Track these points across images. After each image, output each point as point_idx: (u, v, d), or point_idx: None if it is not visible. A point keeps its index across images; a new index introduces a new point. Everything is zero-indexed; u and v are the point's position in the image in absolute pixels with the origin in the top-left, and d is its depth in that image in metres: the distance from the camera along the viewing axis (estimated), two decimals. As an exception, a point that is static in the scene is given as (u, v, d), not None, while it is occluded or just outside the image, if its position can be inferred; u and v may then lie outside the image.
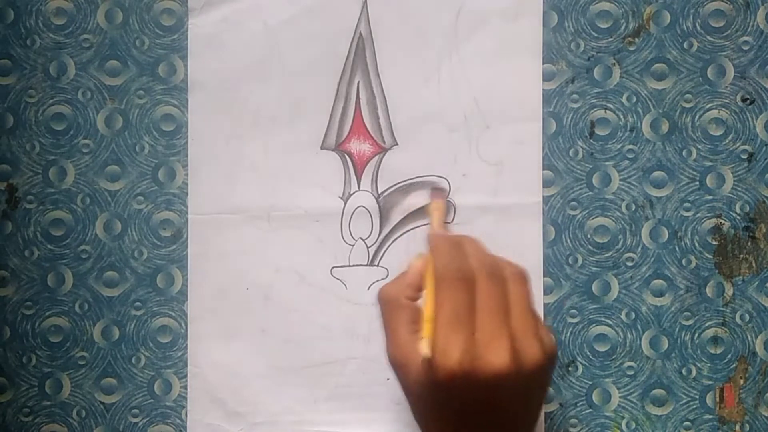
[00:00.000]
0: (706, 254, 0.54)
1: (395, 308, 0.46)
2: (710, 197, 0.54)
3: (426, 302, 0.44)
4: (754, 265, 0.54)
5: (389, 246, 0.55)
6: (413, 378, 0.43)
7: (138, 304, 0.55)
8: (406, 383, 0.45)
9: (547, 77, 0.55)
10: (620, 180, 0.54)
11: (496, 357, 0.41)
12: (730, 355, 0.54)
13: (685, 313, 0.54)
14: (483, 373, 0.41)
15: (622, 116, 0.55)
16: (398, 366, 0.45)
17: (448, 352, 0.41)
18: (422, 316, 0.44)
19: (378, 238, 0.55)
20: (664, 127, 0.55)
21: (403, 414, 0.54)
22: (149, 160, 0.55)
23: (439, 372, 0.41)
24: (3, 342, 0.55)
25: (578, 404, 0.54)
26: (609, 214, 0.55)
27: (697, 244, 0.54)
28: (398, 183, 0.55)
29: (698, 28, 0.54)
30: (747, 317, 0.54)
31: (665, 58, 0.54)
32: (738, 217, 0.54)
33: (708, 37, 0.54)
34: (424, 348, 0.42)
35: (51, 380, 0.55)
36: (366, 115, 0.55)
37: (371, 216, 0.55)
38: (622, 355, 0.54)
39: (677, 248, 0.54)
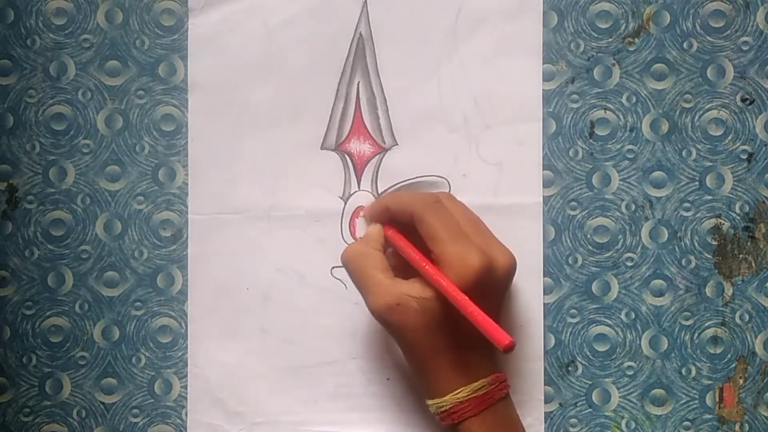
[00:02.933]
0: (706, 254, 0.54)
1: (367, 259, 0.49)
2: (710, 197, 0.54)
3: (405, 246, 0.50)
4: (753, 265, 0.54)
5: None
6: (413, 311, 0.47)
7: (138, 304, 0.55)
8: (404, 321, 0.47)
9: (547, 77, 0.55)
10: (620, 180, 0.54)
11: (500, 255, 0.49)
12: (729, 355, 0.54)
13: (685, 313, 0.54)
14: (496, 270, 0.48)
15: (622, 116, 0.55)
16: (392, 309, 0.47)
17: (468, 259, 0.47)
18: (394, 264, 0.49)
19: (378, 238, 0.55)
20: (664, 127, 0.55)
21: (404, 414, 0.54)
22: (149, 160, 0.55)
23: (470, 275, 0.46)
24: (3, 342, 0.55)
25: (578, 404, 0.54)
26: (609, 214, 0.55)
27: (696, 244, 0.54)
28: (398, 183, 0.55)
29: (698, 28, 0.54)
30: (746, 317, 0.54)
31: (665, 59, 0.54)
32: (738, 217, 0.54)
33: (708, 38, 0.54)
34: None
35: (51, 380, 0.55)
36: (366, 115, 0.55)
37: (371, 216, 0.55)
38: (622, 355, 0.54)
39: (677, 248, 0.54)
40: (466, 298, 0.46)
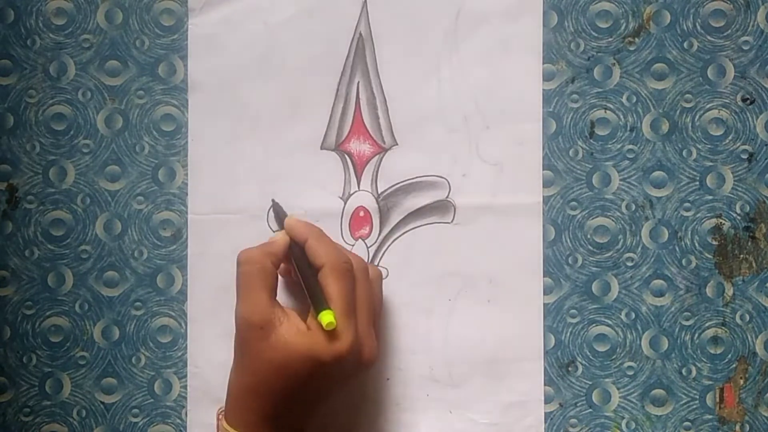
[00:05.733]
0: (706, 254, 0.54)
1: (260, 272, 0.48)
2: (710, 197, 0.54)
3: (313, 285, 0.48)
4: (754, 265, 0.54)
5: (389, 246, 0.55)
6: (269, 340, 0.47)
7: (138, 304, 0.55)
8: (255, 344, 0.47)
9: (547, 77, 0.55)
10: (620, 180, 0.54)
11: (369, 349, 0.49)
12: (730, 355, 0.54)
13: (685, 313, 0.54)
14: (360, 362, 0.48)
15: (622, 116, 0.55)
16: (254, 326, 0.47)
17: (342, 338, 0.47)
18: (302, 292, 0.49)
19: (378, 238, 0.55)
20: (664, 127, 0.55)
21: (404, 414, 0.54)
22: (149, 160, 0.55)
23: (329, 352, 0.46)
24: (3, 342, 0.55)
25: (578, 404, 0.54)
26: (609, 214, 0.54)
27: (697, 244, 0.54)
28: (398, 183, 0.55)
29: (698, 27, 0.54)
30: (747, 317, 0.54)
31: (665, 58, 0.54)
32: (738, 217, 0.54)
33: (708, 37, 0.54)
34: (328, 320, 0.47)
35: (51, 380, 0.55)
36: (366, 115, 0.55)
37: (371, 216, 0.55)
38: (622, 355, 0.54)
39: (677, 248, 0.54)
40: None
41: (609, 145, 0.55)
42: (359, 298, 0.49)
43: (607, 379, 0.54)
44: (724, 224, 0.54)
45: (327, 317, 0.46)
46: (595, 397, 0.54)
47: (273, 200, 0.54)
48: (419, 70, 0.55)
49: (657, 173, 0.54)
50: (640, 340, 0.54)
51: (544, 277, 0.54)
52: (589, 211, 0.55)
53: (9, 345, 0.55)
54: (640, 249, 0.54)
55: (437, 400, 0.54)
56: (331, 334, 0.46)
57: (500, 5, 0.55)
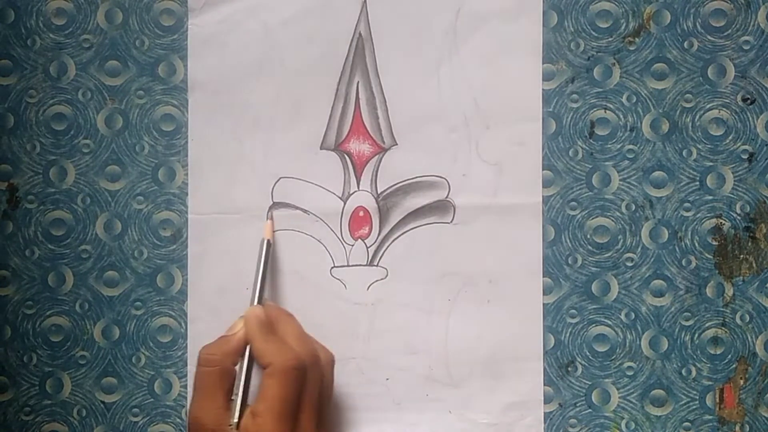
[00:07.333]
0: (706, 254, 0.54)
1: (219, 374, 0.49)
2: (710, 197, 0.54)
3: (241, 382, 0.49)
4: (754, 265, 0.54)
5: (389, 246, 0.55)
6: None
7: (138, 303, 0.55)
8: None
9: (547, 77, 0.55)
10: (620, 180, 0.54)
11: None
12: (730, 356, 0.54)
13: (685, 314, 0.54)
14: None
15: (622, 116, 0.54)
16: (206, 428, 0.47)
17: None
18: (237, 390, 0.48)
19: (377, 238, 0.55)
20: (664, 127, 0.54)
21: (403, 414, 0.54)
22: (149, 160, 0.55)
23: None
24: (4, 341, 0.55)
25: (578, 404, 0.54)
26: (609, 214, 0.54)
27: (697, 245, 0.54)
28: (398, 183, 0.55)
29: (698, 27, 0.54)
30: (747, 318, 0.54)
31: (665, 58, 0.54)
32: (738, 217, 0.54)
33: (708, 37, 0.54)
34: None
35: (52, 379, 0.55)
36: (366, 115, 0.55)
37: (371, 216, 0.55)
38: (622, 355, 0.54)
39: (677, 248, 0.54)
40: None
41: (609, 145, 0.54)
42: (307, 398, 0.48)
43: (606, 380, 0.54)
44: (724, 224, 0.54)
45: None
46: (594, 398, 0.54)
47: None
48: (419, 70, 0.55)
49: (657, 173, 0.54)
50: (640, 341, 0.54)
51: (543, 277, 0.54)
52: (588, 211, 0.55)
53: (9, 344, 0.55)
54: (640, 249, 0.54)
55: (437, 400, 0.55)
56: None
57: (500, 5, 0.55)
